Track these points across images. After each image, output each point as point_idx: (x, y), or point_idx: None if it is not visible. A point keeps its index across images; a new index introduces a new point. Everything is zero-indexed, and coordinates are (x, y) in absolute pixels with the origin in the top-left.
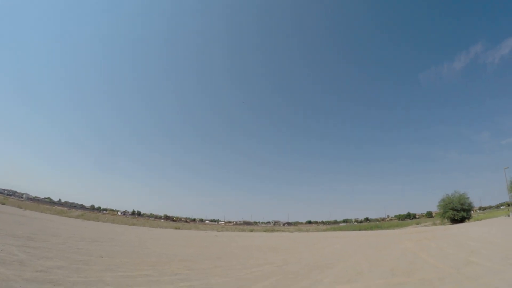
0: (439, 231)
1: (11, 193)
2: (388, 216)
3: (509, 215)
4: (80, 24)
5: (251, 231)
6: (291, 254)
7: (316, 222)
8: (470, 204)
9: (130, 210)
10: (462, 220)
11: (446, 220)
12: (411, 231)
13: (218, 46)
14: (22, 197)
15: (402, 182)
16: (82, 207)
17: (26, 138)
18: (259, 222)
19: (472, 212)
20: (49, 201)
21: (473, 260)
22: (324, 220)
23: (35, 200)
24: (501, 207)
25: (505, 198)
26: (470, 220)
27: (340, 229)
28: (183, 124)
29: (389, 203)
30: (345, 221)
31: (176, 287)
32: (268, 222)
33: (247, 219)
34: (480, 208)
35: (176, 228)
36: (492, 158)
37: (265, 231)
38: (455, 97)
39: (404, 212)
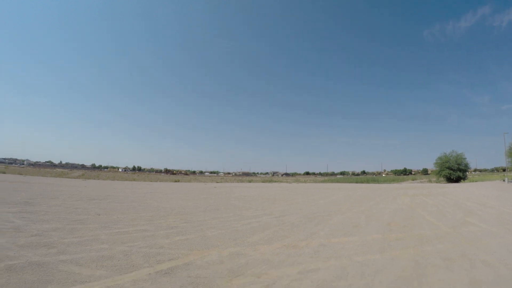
0: (435, 189)
1: (12, 161)
2: (385, 170)
3: (504, 180)
4: None
5: (250, 181)
6: (288, 205)
7: (314, 174)
8: (466, 165)
9: (131, 166)
10: (457, 180)
11: (442, 179)
12: (407, 186)
13: None
14: (23, 164)
15: (400, 138)
16: (83, 167)
17: (21, 108)
18: (258, 173)
19: (468, 173)
20: (50, 165)
21: (470, 220)
22: (321, 172)
23: (36, 165)
24: (495, 171)
25: (501, 163)
26: (465, 180)
27: (337, 181)
28: (180, 82)
29: (386, 158)
30: (342, 173)
31: (171, 241)
32: (267, 173)
33: (246, 170)
34: (475, 170)
35: (175, 181)
36: (491, 122)
37: (263, 181)
38: (458, 57)
39: (400, 167)
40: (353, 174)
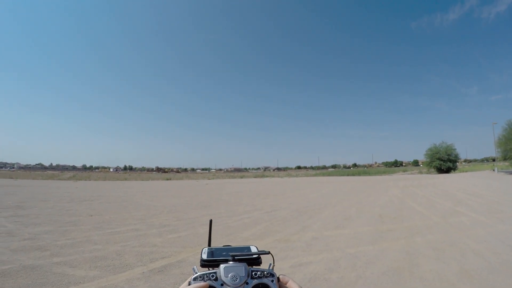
0: (426, 180)
1: (2, 165)
2: (376, 163)
3: (494, 170)
4: None
5: (242, 177)
6: (280, 199)
7: (305, 167)
8: (456, 156)
9: (122, 166)
10: (448, 170)
11: (432, 170)
12: (398, 178)
13: None
14: (13, 168)
15: (391, 130)
16: (74, 168)
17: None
18: (249, 169)
19: (458, 163)
20: (40, 167)
21: (459, 210)
22: (313, 166)
23: (27, 168)
24: (485, 161)
25: (491, 153)
26: (455, 171)
27: (329, 174)
28: (169, 81)
29: (377, 150)
30: (333, 166)
31: (164, 239)
32: (259, 168)
33: (238, 166)
34: (465, 161)
35: (167, 180)
36: (480, 112)
37: (255, 177)
38: (445, 49)
39: (391, 159)
40: (344, 167)
